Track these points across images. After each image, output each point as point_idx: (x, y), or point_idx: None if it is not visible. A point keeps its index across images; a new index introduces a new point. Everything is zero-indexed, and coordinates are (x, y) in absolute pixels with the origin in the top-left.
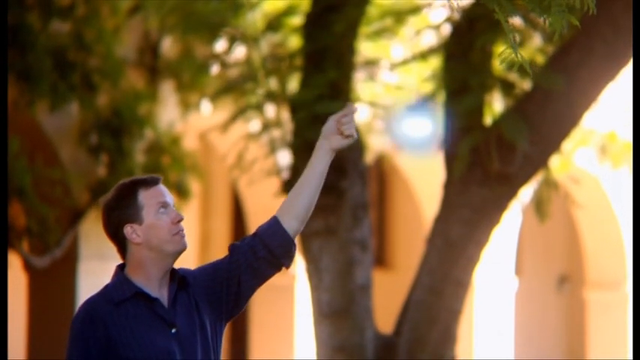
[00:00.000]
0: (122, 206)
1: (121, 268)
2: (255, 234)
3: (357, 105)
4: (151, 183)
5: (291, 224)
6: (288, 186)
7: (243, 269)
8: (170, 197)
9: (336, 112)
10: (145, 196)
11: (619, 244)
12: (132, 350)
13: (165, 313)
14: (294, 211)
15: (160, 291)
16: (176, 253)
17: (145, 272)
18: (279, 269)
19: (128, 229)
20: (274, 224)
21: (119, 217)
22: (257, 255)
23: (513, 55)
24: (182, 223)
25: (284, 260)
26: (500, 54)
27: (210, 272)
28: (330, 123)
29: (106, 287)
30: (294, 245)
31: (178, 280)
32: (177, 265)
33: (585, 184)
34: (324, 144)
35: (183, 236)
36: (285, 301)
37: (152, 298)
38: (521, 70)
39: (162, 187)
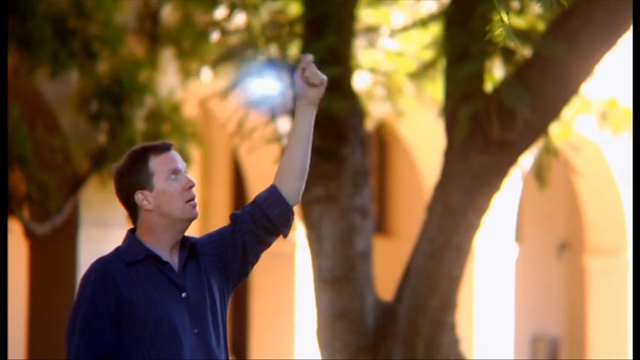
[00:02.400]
0: (133, 172)
1: (132, 231)
2: (254, 202)
3: (359, 70)
4: (162, 149)
5: (292, 186)
6: None
7: (247, 236)
8: (182, 163)
9: (336, 78)
10: (155, 163)
11: (619, 210)
12: (142, 311)
13: (176, 277)
14: (290, 172)
15: (170, 256)
16: (186, 221)
17: (156, 238)
18: (277, 236)
19: (139, 196)
20: (273, 193)
21: (130, 184)
22: (257, 223)
23: (503, 29)
24: (193, 190)
25: (283, 229)
26: (489, 28)
27: (216, 240)
28: (298, 82)
29: (118, 249)
30: (293, 214)
31: (189, 247)
32: None
33: (586, 151)
34: (301, 100)
35: (194, 205)
36: (286, 268)
37: (163, 261)
38: (521, 37)
39: (173, 153)
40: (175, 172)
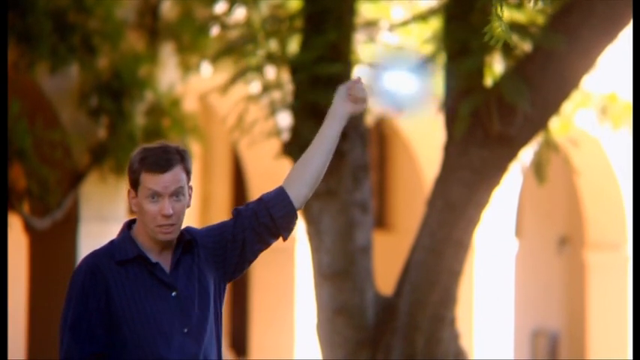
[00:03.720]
0: (130, 170)
1: (129, 224)
2: (260, 199)
3: (359, 66)
4: (157, 169)
5: (300, 190)
6: (288, 148)
7: (248, 233)
8: (173, 186)
9: (336, 73)
10: (144, 178)
11: (619, 205)
12: (129, 310)
13: (166, 276)
14: (303, 177)
15: (161, 255)
16: (159, 241)
17: (145, 237)
18: (277, 238)
19: (129, 194)
20: (280, 194)
21: (128, 178)
22: (259, 220)
23: (500, 30)
24: (170, 218)
25: (283, 231)
26: (488, 27)
27: (216, 233)
28: (342, 90)
29: (111, 243)
30: (296, 218)
31: (185, 242)
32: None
33: (585, 146)
34: (336, 110)
35: (166, 232)
36: (286, 263)
37: (152, 262)
38: (521, 31)
39: (168, 175)
40: (156, 194)
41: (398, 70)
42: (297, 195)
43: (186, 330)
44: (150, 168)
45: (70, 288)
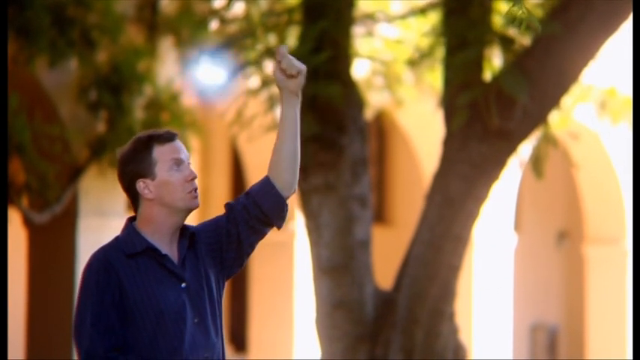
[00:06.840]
0: (136, 160)
1: (131, 220)
2: (247, 193)
3: (359, 59)
4: (167, 138)
5: (284, 177)
6: None
7: (241, 227)
8: (185, 154)
9: (335, 66)
10: (159, 152)
11: (618, 199)
12: (142, 302)
13: (175, 268)
14: (281, 164)
15: (170, 246)
16: (187, 211)
17: (156, 227)
18: (271, 227)
19: (140, 184)
20: (266, 185)
21: (132, 171)
22: (250, 214)
23: (517, 9)
24: (195, 181)
25: (276, 221)
26: (508, 12)
27: (211, 229)
28: (276, 74)
29: (117, 239)
30: (286, 206)
31: (189, 236)
32: None
33: (585, 140)
34: (284, 93)
35: (195, 196)
36: (285, 257)
37: (162, 254)
38: (523, 25)
39: (178, 143)
40: (178, 162)
41: (207, 63)
42: (283, 182)
43: (196, 320)
44: (163, 140)
45: (83, 284)
